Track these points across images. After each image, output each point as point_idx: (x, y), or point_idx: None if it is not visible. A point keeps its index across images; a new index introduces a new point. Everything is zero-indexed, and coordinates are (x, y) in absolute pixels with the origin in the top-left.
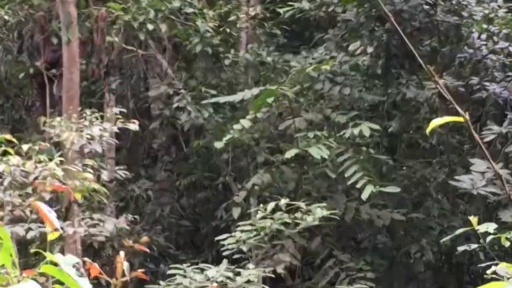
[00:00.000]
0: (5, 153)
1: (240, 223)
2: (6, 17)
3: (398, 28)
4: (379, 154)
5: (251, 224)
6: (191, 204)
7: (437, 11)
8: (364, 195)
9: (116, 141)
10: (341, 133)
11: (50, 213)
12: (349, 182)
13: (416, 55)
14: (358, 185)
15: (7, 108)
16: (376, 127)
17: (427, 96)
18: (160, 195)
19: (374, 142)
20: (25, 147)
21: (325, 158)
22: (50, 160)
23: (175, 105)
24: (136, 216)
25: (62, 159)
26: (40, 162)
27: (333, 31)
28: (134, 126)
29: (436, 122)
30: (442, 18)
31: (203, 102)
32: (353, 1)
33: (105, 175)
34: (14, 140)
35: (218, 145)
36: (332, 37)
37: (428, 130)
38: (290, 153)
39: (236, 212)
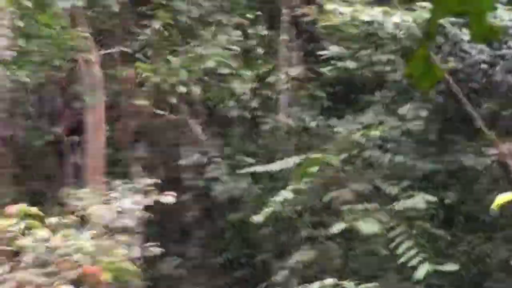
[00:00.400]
0: (28, 226)
1: None
2: (27, 79)
3: (455, 88)
4: (435, 228)
5: None
6: (227, 283)
7: (496, 70)
8: (419, 274)
9: (151, 214)
10: (393, 205)
11: None
12: (402, 260)
13: (476, 118)
14: (412, 263)
15: (25, 178)
16: (431, 198)
17: (487, 164)
18: (194, 273)
19: (429, 215)
20: (53, 220)
21: (375, 233)
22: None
23: (209, 175)
24: None
25: (94, 231)
26: (67, 236)
27: (381, 93)
28: (170, 199)
29: (504, 198)
30: (502, 78)
31: (240, 171)
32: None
33: (135, 252)
34: (39, 213)
35: (257, 218)
36: (380, 99)
37: (494, 206)
38: (336, 228)
39: None
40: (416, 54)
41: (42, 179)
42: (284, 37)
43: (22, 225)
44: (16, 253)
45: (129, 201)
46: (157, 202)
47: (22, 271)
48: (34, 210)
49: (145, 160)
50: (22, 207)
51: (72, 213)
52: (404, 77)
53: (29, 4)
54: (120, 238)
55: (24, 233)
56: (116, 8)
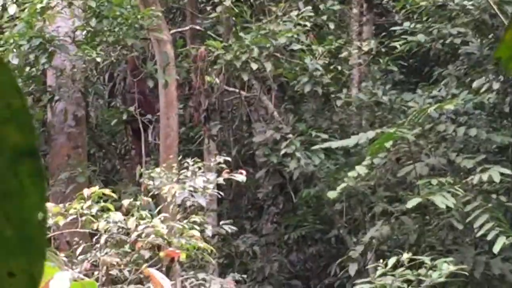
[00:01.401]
0: (103, 208)
1: (357, 281)
2: (98, 59)
3: None
4: (511, 201)
5: (369, 282)
6: (301, 259)
7: None
8: (496, 248)
9: (221, 193)
10: (468, 179)
11: (163, 280)
12: (478, 234)
13: None
14: (489, 237)
15: (99, 158)
16: (507, 171)
17: None
18: (267, 250)
19: (504, 188)
20: (125, 202)
21: (450, 207)
22: (152, 216)
23: (282, 152)
24: (243, 276)
25: (166, 215)
26: (142, 218)
27: (454, 66)
28: (241, 177)
29: None
30: None
31: (314, 147)
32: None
33: (209, 231)
34: (113, 195)
35: (331, 194)
36: (453, 72)
37: None
38: (411, 203)
39: (352, 268)
40: (505, 37)
41: (116, 158)
42: (355, 11)
43: (96, 207)
44: (91, 235)
45: (201, 180)
46: (230, 180)
47: (96, 252)
48: (107, 191)
49: (218, 137)
50: (96, 190)
51: (147, 192)
52: (493, 60)
53: None
54: (193, 217)
55: (98, 215)
56: None
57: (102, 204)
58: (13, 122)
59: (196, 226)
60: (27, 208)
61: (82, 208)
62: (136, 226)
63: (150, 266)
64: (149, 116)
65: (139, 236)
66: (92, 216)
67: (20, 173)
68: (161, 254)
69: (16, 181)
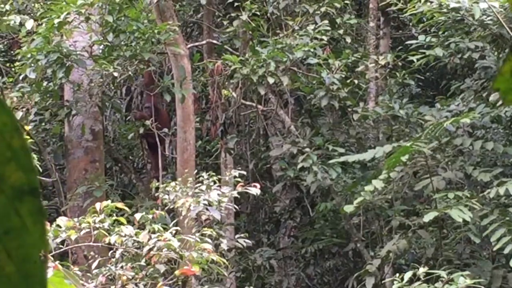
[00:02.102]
0: (114, 222)
1: None
2: (115, 74)
3: None
4: None
5: None
6: (318, 273)
7: None
8: None
9: (236, 207)
10: (485, 192)
11: None
12: (495, 247)
13: None
14: (506, 250)
15: (116, 172)
16: None
17: None
18: (284, 264)
19: None
20: (137, 216)
21: (467, 221)
22: (165, 229)
23: (299, 166)
24: None
25: (178, 228)
26: (154, 232)
27: (471, 80)
28: (255, 190)
29: None
30: None
31: (330, 161)
32: None
33: (224, 244)
34: (126, 208)
35: (348, 208)
36: (470, 86)
37: None
38: (428, 216)
39: (369, 282)
40: (503, 69)
41: (132, 172)
42: (372, 24)
43: (109, 221)
44: (105, 249)
45: (216, 193)
46: (247, 194)
47: (111, 266)
48: (120, 205)
49: (234, 151)
50: (108, 204)
51: (163, 206)
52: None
53: None
54: (206, 231)
55: (110, 229)
56: (203, 1)
57: (114, 217)
58: (14, 162)
59: (208, 239)
60: (28, 245)
61: (94, 222)
62: (148, 239)
63: (165, 279)
64: (165, 130)
65: (150, 250)
66: (105, 230)
67: (21, 211)
68: (176, 272)
69: (18, 219)
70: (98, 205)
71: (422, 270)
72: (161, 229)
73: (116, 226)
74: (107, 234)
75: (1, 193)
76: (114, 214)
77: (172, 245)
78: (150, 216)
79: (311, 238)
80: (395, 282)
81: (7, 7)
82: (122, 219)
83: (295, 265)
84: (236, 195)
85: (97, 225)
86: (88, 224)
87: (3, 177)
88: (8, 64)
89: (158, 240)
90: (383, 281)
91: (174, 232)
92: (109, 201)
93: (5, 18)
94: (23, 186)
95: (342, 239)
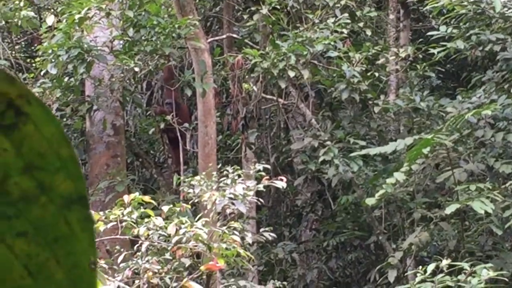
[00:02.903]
0: (142, 215)
1: (396, 287)
2: (136, 69)
3: None
4: None
5: None
6: (340, 266)
7: None
8: None
9: (261, 200)
10: (507, 184)
11: None
12: None
13: None
14: None
15: (137, 166)
16: None
17: None
18: (306, 257)
19: None
20: (165, 208)
21: (489, 212)
22: (192, 222)
23: (321, 159)
24: (284, 283)
25: (207, 219)
26: (182, 223)
27: (492, 72)
28: (281, 183)
29: None
30: None
31: (352, 154)
32: None
33: (249, 238)
34: (152, 201)
35: (370, 201)
36: (492, 78)
37: None
38: (450, 209)
39: (392, 275)
40: None
41: (153, 167)
42: (392, 16)
43: (136, 214)
44: (132, 242)
45: (241, 187)
46: (269, 187)
47: (137, 260)
48: (147, 198)
49: (255, 145)
50: (136, 196)
51: (186, 200)
52: None
53: None
54: (233, 225)
55: (138, 222)
56: None
57: (142, 210)
58: (63, 171)
59: (236, 232)
60: (77, 253)
61: (122, 214)
62: (176, 231)
63: (190, 273)
64: (186, 124)
65: (178, 242)
66: (133, 222)
67: (70, 219)
68: (202, 268)
69: (67, 227)
70: (126, 198)
71: (445, 262)
72: (188, 221)
73: (144, 219)
74: (135, 226)
75: (50, 203)
76: (141, 208)
77: (201, 235)
78: (178, 209)
79: (333, 231)
80: (418, 274)
81: (21, 3)
82: (150, 212)
83: (317, 258)
84: (260, 189)
85: (125, 218)
86: (116, 216)
87: (53, 186)
88: (28, 60)
89: (187, 232)
90: (405, 274)
91: (203, 222)
92: (136, 194)
93: (22, 13)
94: (71, 195)
95: (364, 232)
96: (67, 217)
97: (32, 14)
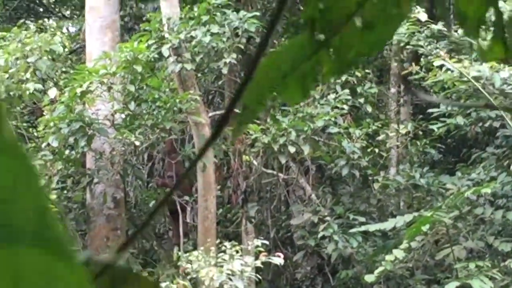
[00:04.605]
0: None
1: None
2: (137, 143)
3: None
4: None
5: None
6: None
7: None
8: None
9: (259, 277)
10: (506, 262)
11: None
12: None
13: None
14: None
15: (137, 238)
16: None
17: None
18: None
19: None
20: (163, 285)
21: None
22: None
23: (320, 234)
24: None
25: None
26: None
27: (492, 148)
28: (279, 260)
29: None
30: None
31: (351, 230)
32: None
33: None
34: (150, 279)
35: (369, 278)
36: (491, 155)
37: None
38: (449, 286)
39: None
40: None
41: (154, 239)
42: (393, 90)
43: None
44: None
45: (239, 263)
46: (268, 262)
47: None
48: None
49: (255, 219)
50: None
51: (184, 275)
52: None
53: (139, 69)
54: None
55: None
56: (225, 70)
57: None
58: None
59: None
60: None
61: None
62: None
63: None
64: (186, 197)
65: None
66: None
67: None
68: None
69: None
70: None
71: None
72: None
73: None
74: None
75: None
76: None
77: None
78: (174, 287)
79: None
80: None
81: (28, 75)
82: None
83: None
84: (259, 265)
85: None
86: None
87: None
88: (30, 129)
89: None
90: None
91: None
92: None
93: (26, 86)
94: None
95: None
96: None
97: (39, 86)
